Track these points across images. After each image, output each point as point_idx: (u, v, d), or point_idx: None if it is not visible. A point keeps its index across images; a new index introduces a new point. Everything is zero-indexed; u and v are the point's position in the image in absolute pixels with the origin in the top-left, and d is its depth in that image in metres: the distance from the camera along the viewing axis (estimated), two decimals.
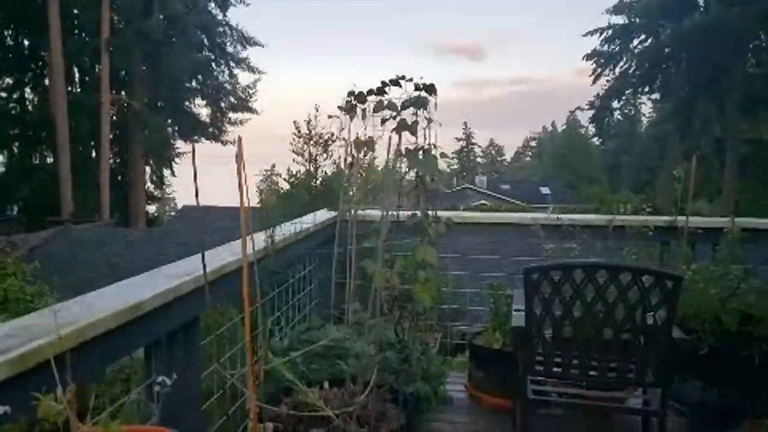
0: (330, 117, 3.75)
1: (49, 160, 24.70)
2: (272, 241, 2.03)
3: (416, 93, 3.80)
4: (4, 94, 26.52)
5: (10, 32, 25.78)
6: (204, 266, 1.57)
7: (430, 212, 3.17)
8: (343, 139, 3.78)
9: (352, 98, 3.60)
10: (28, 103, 26.66)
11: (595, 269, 2.04)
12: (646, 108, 50.89)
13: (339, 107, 3.75)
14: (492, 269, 4.11)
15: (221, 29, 28.22)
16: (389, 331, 2.69)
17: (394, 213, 3.41)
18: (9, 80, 26.06)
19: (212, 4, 27.70)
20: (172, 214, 59.78)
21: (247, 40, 28.54)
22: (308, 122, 7.77)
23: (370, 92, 3.41)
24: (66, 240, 13.05)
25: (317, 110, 7.60)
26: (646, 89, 34.11)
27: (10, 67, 25.63)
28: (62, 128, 21.91)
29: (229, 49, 28.65)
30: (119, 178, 26.48)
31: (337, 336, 2.52)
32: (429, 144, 3.26)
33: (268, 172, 35.29)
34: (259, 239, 2.49)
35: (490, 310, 3.14)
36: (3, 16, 24.47)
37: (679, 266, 3.05)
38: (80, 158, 23.68)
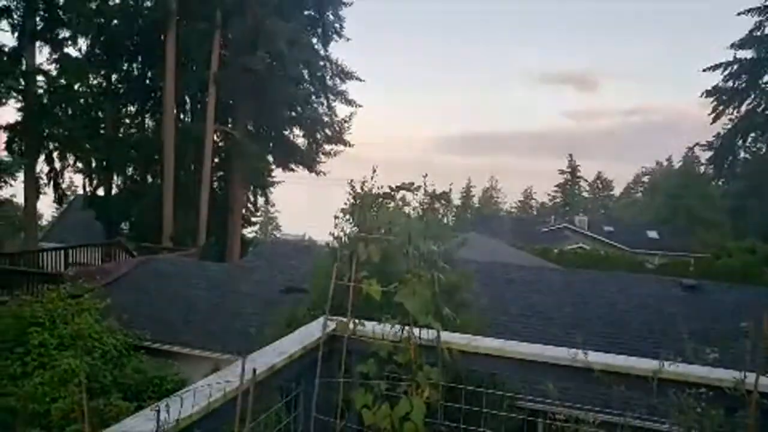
0: (336, 217, 3.45)
1: (159, 182, 26.77)
2: None
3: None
4: (128, 121, 29.38)
5: (137, 65, 28.50)
6: None
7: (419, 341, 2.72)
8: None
9: (355, 202, 3.30)
10: (147, 129, 29.23)
11: None
12: None
13: (342, 210, 3.44)
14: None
15: (322, 63, 29.31)
16: None
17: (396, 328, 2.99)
18: (132, 108, 28.80)
19: (315, 40, 28.86)
20: (275, 233, 62.33)
21: (346, 74, 29.39)
22: (363, 183, 7.47)
23: (378, 195, 3.09)
24: (150, 270, 13.85)
25: (375, 171, 7.30)
26: None
27: (133, 97, 28.34)
28: (169, 154, 23.69)
29: (329, 82, 29.66)
30: (219, 202, 28.02)
31: None
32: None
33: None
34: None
35: None
36: (131, 50, 27.16)
37: None
38: (185, 183, 25.40)
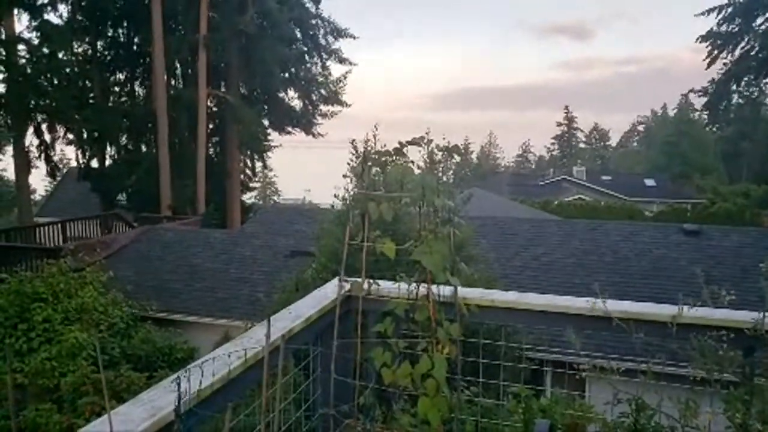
0: (345, 176, 3.42)
1: (154, 151, 26.40)
2: None
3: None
4: (117, 89, 28.75)
5: (123, 30, 27.67)
6: None
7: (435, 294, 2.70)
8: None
9: (364, 161, 3.21)
10: (137, 97, 28.63)
11: None
12: None
13: (352, 170, 3.38)
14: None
15: (313, 21, 28.54)
16: None
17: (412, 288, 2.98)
18: (121, 76, 28.14)
19: None
20: (274, 198, 62.10)
21: (338, 32, 28.66)
22: (366, 142, 7.34)
23: (387, 153, 3.01)
24: (151, 240, 13.83)
25: (376, 128, 7.20)
26: None
27: (122, 64, 27.65)
28: (162, 122, 23.29)
29: (322, 41, 28.95)
30: (216, 168, 27.74)
31: None
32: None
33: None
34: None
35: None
36: (115, 14, 26.31)
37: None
38: (180, 150, 25.08)
